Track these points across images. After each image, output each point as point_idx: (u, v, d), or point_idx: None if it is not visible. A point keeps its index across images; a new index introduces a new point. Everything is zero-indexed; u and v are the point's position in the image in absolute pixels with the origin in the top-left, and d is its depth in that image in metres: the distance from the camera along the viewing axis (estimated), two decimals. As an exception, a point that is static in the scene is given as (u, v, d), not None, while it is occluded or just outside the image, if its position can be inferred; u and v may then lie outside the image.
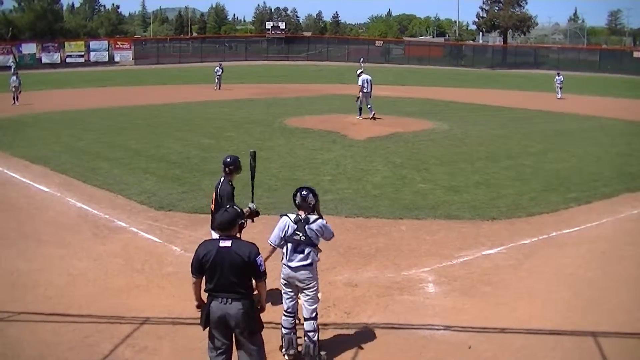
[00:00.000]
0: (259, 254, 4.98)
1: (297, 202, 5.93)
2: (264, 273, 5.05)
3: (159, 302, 7.16)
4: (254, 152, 6.96)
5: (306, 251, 5.77)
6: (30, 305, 7.06)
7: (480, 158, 15.72)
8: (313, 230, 5.80)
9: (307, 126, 20.51)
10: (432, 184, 12.79)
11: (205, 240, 5.21)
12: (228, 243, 4.92)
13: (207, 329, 5.03)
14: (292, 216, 5.87)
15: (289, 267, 5.81)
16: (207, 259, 4.91)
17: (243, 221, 5.28)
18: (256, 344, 5.04)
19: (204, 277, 5.01)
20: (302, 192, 5.91)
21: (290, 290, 5.93)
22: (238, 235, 5.27)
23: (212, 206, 6.92)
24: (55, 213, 10.83)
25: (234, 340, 5.04)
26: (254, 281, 5.04)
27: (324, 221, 5.94)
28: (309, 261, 5.79)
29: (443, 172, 13.91)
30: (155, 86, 38.18)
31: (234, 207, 5.47)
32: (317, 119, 22.31)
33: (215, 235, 6.46)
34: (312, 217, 5.86)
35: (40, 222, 10.29)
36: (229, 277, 4.87)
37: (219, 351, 5.02)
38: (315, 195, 5.93)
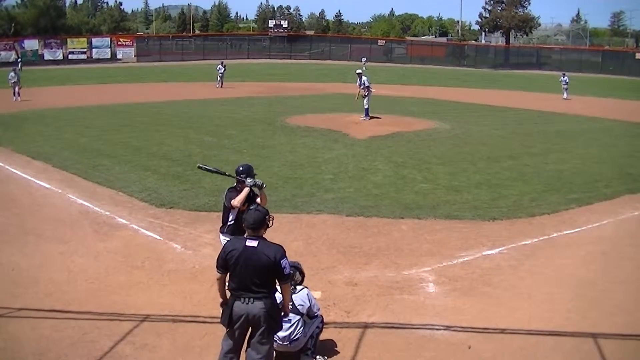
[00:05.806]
0: (284, 256, 4.95)
1: None
2: (289, 276, 5.06)
3: (159, 300, 7.15)
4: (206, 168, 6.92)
5: (292, 320, 5.62)
6: (31, 301, 7.06)
7: (482, 158, 15.70)
8: (299, 298, 5.77)
9: (309, 125, 20.51)
10: (434, 184, 12.78)
11: (233, 237, 5.19)
12: (254, 243, 4.91)
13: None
14: None
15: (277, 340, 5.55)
16: (232, 256, 4.91)
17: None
18: (268, 343, 5.03)
19: (228, 275, 4.99)
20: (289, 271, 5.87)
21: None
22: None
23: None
24: (56, 209, 10.83)
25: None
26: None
27: (308, 290, 5.96)
28: (296, 335, 5.64)
29: (444, 172, 13.90)
30: (157, 84, 38.21)
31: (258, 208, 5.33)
32: (319, 118, 22.30)
33: (224, 239, 6.48)
34: (299, 287, 5.91)
35: (41, 218, 10.29)
36: (252, 277, 4.86)
37: (234, 346, 5.03)
38: (302, 273, 6.03)
